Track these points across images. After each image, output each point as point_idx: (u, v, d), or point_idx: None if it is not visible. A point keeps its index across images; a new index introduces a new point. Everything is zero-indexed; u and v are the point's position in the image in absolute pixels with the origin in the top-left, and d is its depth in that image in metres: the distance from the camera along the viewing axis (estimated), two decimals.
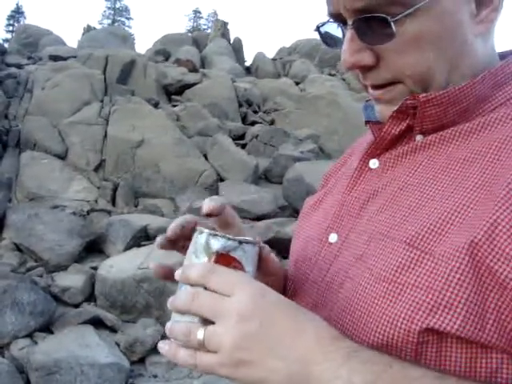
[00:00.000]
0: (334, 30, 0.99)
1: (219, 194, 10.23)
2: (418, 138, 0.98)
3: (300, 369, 0.79)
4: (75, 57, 16.03)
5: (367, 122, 1.07)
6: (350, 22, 0.91)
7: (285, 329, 0.81)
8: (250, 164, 11.30)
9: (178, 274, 0.88)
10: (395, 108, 0.95)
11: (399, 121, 0.97)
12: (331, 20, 0.97)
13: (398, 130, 0.97)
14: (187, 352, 0.84)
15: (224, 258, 0.86)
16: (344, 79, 19.27)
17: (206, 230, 0.88)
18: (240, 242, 0.87)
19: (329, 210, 1.10)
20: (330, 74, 20.21)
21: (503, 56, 1.01)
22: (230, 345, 0.80)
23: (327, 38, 1.02)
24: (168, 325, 0.87)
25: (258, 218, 9.34)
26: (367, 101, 1.13)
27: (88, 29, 29.58)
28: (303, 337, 0.81)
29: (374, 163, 1.03)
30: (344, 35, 0.94)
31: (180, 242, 0.98)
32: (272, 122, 14.85)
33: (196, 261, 0.88)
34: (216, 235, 0.87)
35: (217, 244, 0.87)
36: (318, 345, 0.80)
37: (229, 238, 0.87)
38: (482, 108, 0.94)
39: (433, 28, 0.88)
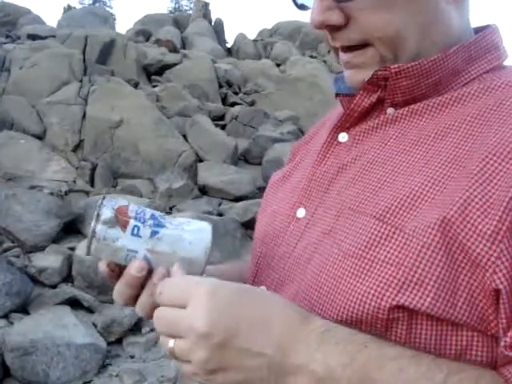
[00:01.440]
0: None
1: (198, 175, 10.20)
2: (389, 111, 0.96)
3: (278, 359, 0.78)
4: (54, 36, 15.81)
5: (337, 95, 1.06)
6: None
7: (251, 320, 0.80)
8: (229, 145, 11.24)
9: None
10: (364, 73, 0.93)
11: (370, 93, 0.95)
12: None
13: (369, 102, 0.96)
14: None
15: (120, 211, 0.91)
16: (325, 61, 19.19)
17: (92, 225, 0.91)
18: (103, 198, 0.93)
19: (296, 184, 1.09)
20: (312, 56, 20.10)
21: (477, 31, 1.00)
22: (199, 360, 0.80)
23: (301, 2, 1.00)
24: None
25: (237, 199, 9.33)
26: (338, 73, 1.12)
27: (68, 8, 29.24)
28: (271, 327, 0.80)
29: (343, 137, 1.02)
30: None
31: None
32: (252, 104, 14.77)
33: (121, 240, 0.91)
34: (98, 215, 0.91)
35: (107, 212, 0.90)
36: (289, 331, 0.80)
37: (100, 207, 0.91)
38: (454, 81, 0.93)
39: None
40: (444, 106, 0.92)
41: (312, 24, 0.92)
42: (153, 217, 0.93)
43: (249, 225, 7.90)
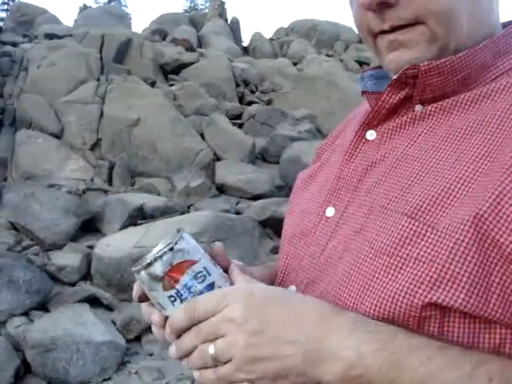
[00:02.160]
0: None
1: (216, 174, 10.21)
2: (418, 107, 0.95)
3: (312, 346, 0.79)
4: (71, 35, 15.91)
5: (363, 93, 1.05)
6: None
7: (285, 316, 0.82)
8: (246, 143, 11.25)
9: (168, 334, 0.90)
10: (411, 53, 0.91)
11: (398, 90, 0.94)
12: None
13: (397, 99, 0.95)
14: (207, 371, 0.86)
15: (174, 273, 0.87)
16: (342, 60, 19.20)
17: (139, 267, 0.88)
18: (171, 249, 0.86)
19: (324, 183, 1.08)
20: (328, 55, 20.13)
21: (504, 26, 0.99)
22: (240, 348, 0.81)
23: None
24: (184, 362, 0.89)
25: (255, 198, 9.33)
26: (363, 71, 1.11)
27: (84, 8, 29.37)
28: (304, 318, 0.82)
29: (371, 134, 1.01)
30: None
31: None
32: (269, 102, 14.79)
33: (157, 294, 0.88)
34: (149, 264, 0.86)
35: (158, 269, 0.86)
36: (322, 320, 0.81)
37: (161, 255, 0.86)
38: (483, 77, 0.92)
39: None
40: (473, 102, 0.90)
41: (363, 3, 0.89)
42: (206, 288, 0.89)
43: (267, 223, 7.90)
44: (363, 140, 1.02)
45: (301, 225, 1.08)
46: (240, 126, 12.64)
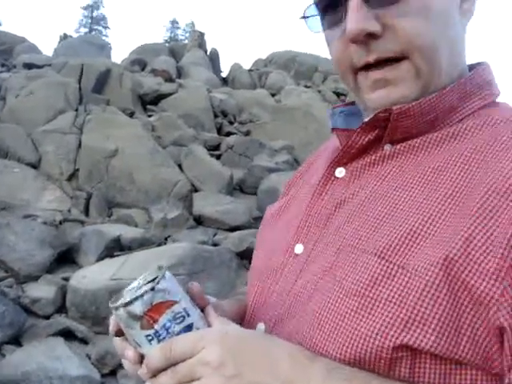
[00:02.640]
0: (317, 15, 0.98)
1: (193, 205, 10.19)
2: (387, 147, 0.96)
3: None
4: (50, 65, 15.91)
5: (333, 129, 1.05)
6: None
7: (260, 361, 0.82)
8: (224, 175, 11.27)
9: (143, 374, 0.89)
10: (399, 91, 0.93)
11: (369, 130, 0.95)
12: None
13: (367, 139, 0.96)
14: None
15: (153, 313, 0.86)
16: (320, 91, 19.36)
17: (118, 304, 0.86)
18: (152, 288, 0.85)
19: (293, 219, 1.08)
20: (306, 86, 20.29)
21: (470, 68, 1.02)
22: None
23: (313, 22, 0.99)
24: None
25: (232, 229, 9.31)
26: (334, 108, 1.12)
27: (64, 37, 29.38)
28: (279, 363, 0.82)
29: (340, 172, 1.01)
30: (345, 10, 0.91)
31: None
32: (247, 133, 14.85)
33: (134, 332, 0.87)
34: (129, 303, 0.85)
35: (137, 308, 0.85)
36: (297, 366, 0.81)
37: (141, 295, 0.85)
38: (450, 118, 0.94)
39: (437, 1, 0.90)
40: (441, 142, 0.92)
41: (350, 34, 0.90)
42: (184, 330, 0.88)
43: (244, 255, 7.87)
44: (332, 177, 1.02)
45: (270, 261, 1.07)
46: (218, 156, 12.66)
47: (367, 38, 0.90)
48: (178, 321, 0.87)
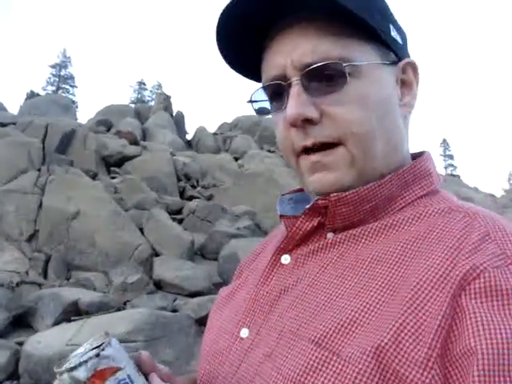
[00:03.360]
0: (265, 98, 1.03)
1: (153, 269, 10.13)
2: (329, 235, 1.00)
3: None
4: (15, 123, 15.89)
5: (281, 217, 1.08)
6: (296, 78, 0.94)
7: None
8: (185, 240, 11.27)
9: None
10: (333, 176, 0.97)
11: (311, 217, 0.99)
12: (273, 83, 0.99)
13: (310, 226, 0.99)
14: None
15: (97, 379, 0.85)
16: (282, 156, 19.56)
17: (62, 368, 0.85)
18: (97, 355, 0.84)
19: (241, 303, 1.10)
20: (270, 151, 20.52)
21: (412, 156, 1.07)
22: None
23: (260, 106, 1.05)
24: None
25: (192, 295, 9.26)
26: (283, 195, 1.17)
27: (31, 95, 29.42)
28: None
29: (285, 258, 1.04)
30: (287, 96, 0.96)
31: None
32: (210, 198, 14.90)
33: None
34: (73, 368, 0.84)
35: (81, 374, 0.84)
36: None
37: (86, 360, 0.84)
38: (390, 207, 0.98)
39: (373, 91, 0.94)
40: (380, 232, 0.96)
41: (289, 120, 0.95)
42: None
43: (203, 321, 7.77)
44: (278, 264, 1.05)
45: (217, 343, 1.09)
46: (180, 221, 12.67)
47: (305, 124, 0.95)
48: None
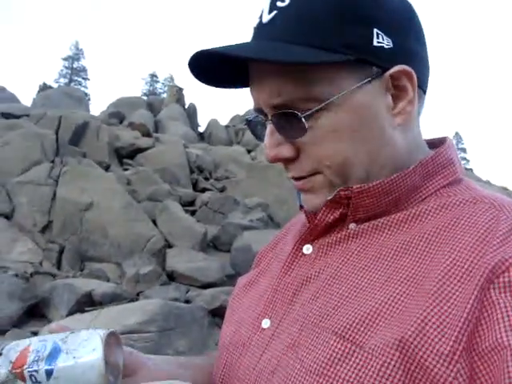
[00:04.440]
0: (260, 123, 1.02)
1: (166, 261, 10.15)
2: (352, 226, 0.98)
3: None
4: (28, 115, 15.95)
5: (302, 207, 1.07)
6: (269, 117, 0.93)
7: None
8: (198, 231, 11.28)
9: None
10: (318, 198, 0.97)
11: (333, 209, 0.98)
12: (255, 114, 1.00)
13: (332, 217, 0.98)
14: None
15: (19, 362, 0.87)
16: None
17: None
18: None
19: (262, 293, 1.09)
20: None
21: (432, 143, 1.05)
22: None
23: (255, 131, 1.04)
24: None
25: (205, 286, 9.28)
26: None
27: (44, 87, 29.54)
28: None
29: (307, 249, 1.03)
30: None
31: None
32: (223, 190, 14.90)
33: None
34: None
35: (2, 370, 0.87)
36: None
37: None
38: (413, 198, 0.97)
39: (347, 121, 0.90)
40: (403, 222, 0.95)
41: (267, 158, 0.97)
42: (52, 350, 0.88)
43: (216, 312, 7.84)
44: (300, 254, 1.04)
45: (238, 334, 1.08)
46: (193, 212, 12.67)
47: (284, 161, 0.96)
48: (42, 351, 0.87)
